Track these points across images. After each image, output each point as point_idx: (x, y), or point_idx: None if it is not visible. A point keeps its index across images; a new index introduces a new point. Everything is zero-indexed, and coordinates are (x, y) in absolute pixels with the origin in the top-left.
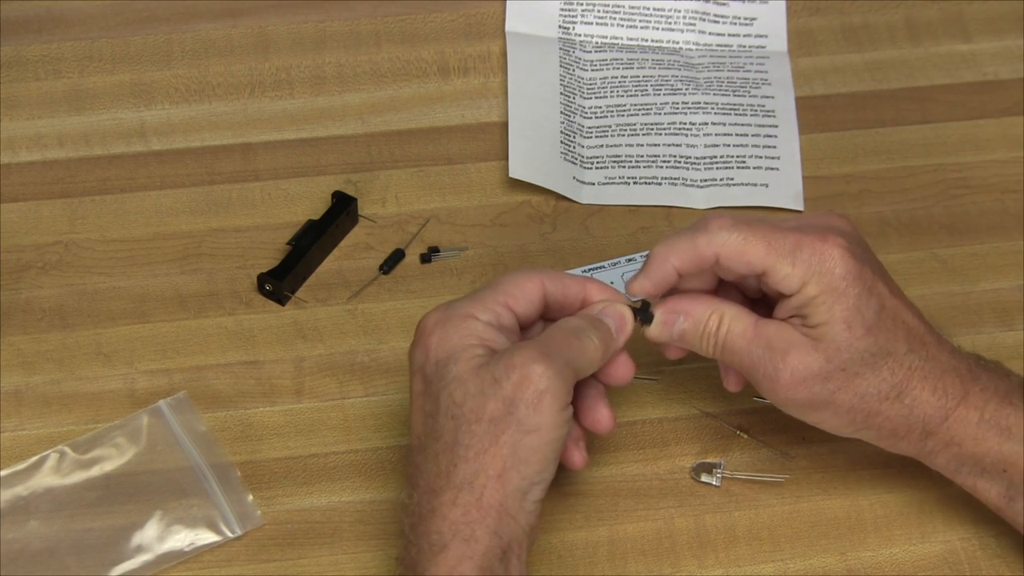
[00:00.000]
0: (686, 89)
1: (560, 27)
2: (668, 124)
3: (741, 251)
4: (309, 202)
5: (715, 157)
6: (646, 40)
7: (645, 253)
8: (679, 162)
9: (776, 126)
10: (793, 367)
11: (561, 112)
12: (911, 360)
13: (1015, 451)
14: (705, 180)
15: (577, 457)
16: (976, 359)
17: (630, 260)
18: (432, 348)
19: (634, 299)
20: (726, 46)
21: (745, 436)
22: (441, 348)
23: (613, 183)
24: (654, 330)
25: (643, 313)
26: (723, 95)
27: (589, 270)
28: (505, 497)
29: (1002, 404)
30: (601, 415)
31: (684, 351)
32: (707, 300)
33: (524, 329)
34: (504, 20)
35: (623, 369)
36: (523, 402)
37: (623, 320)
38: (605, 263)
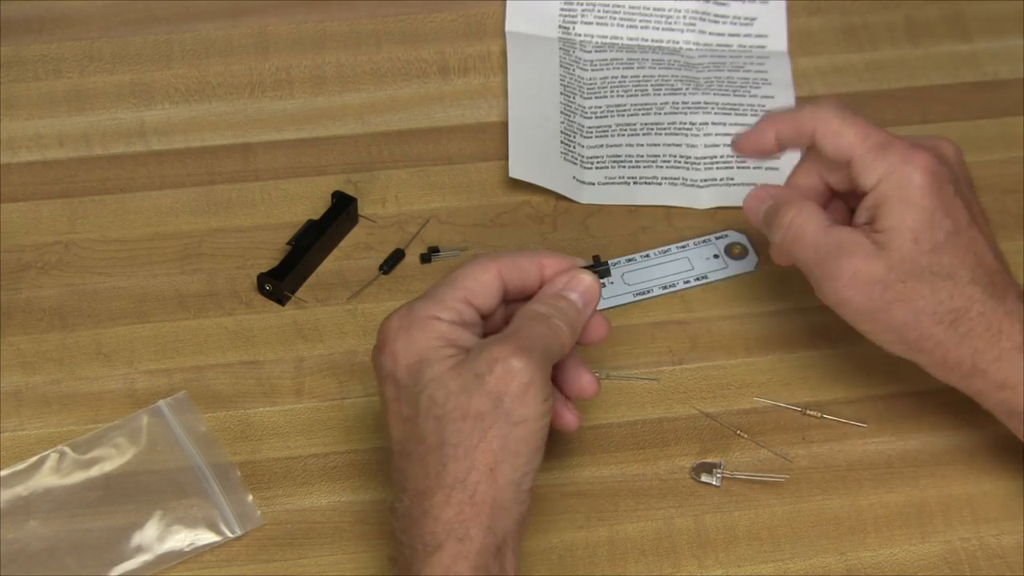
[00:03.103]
0: (686, 89)
1: (560, 27)
2: (668, 124)
3: (836, 131)
4: (309, 202)
5: (715, 157)
6: (646, 40)
7: (645, 253)
8: (679, 162)
9: None
10: (856, 268)
11: (561, 112)
12: (972, 291)
13: None
14: (705, 180)
15: (570, 417)
16: None
17: (630, 260)
18: (400, 354)
19: (585, 263)
20: (726, 46)
21: (745, 436)
22: (409, 352)
23: (613, 183)
24: (746, 203)
25: (600, 267)
26: (723, 95)
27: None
28: (498, 491)
29: None
30: (584, 381)
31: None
32: (793, 193)
33: (485, 318)
34: (504, 20)
35: (598, 330)
36: (509, 395)
37: (589, 291)
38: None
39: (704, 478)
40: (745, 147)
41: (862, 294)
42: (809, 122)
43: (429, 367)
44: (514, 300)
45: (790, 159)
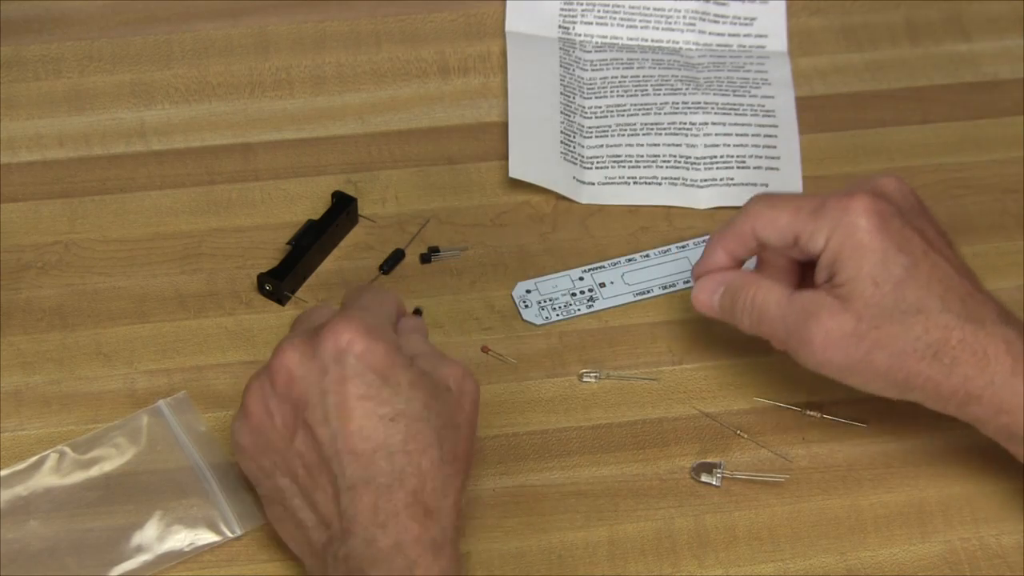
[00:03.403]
0: (686, 89)
1: (560, 27)
2: (668, 124)
3: (771, 219)
4: (309, 202)
5: (715, 157)
6: (646, 40)
7: (645, 253)
8: (679, 162)
9: (776, 126)
10: (826, 329)
11: (561, 112)
12: (946, 319)
13: None
14: (705, 180)
15: None
16: None
17: (630, 260)
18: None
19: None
20: (726, 46)
21: (745, 436)
22: None
23: (613, 183)
24: (695, 304)
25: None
26: (723, 95)
27: (589, 270)
28: None
29: None
30: None
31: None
32: (746, 274)
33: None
34: (504, 20)
35: None
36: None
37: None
38: (605, 263)
39: (704, 478)
40: (702, 273)
41: (839, 352)
42: (745, 225)
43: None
44: None
45: (790, 159)
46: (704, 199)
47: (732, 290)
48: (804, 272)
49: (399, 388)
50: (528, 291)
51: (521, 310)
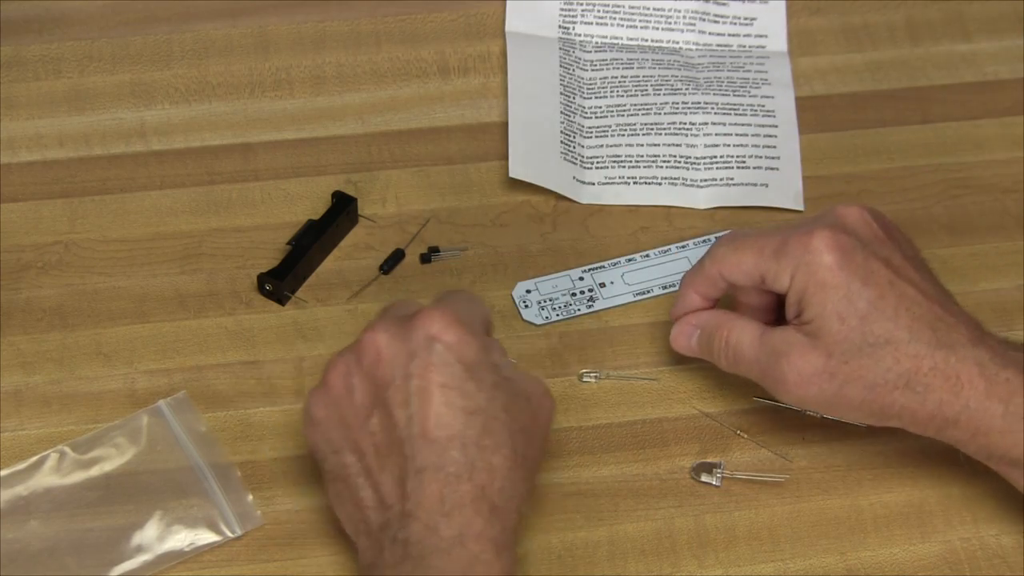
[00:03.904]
0: (686, 89)
1: (560, 27)
2: (668, 124)
3: (735, 263)
4: (309, 202)
5: (715, 157)
6: (646, 40)
7: (645, 253)
8: (679, 162)
9: (776, 126)
10: (797, 368)
11: (561, 112)
12: (915, 349)
13: None
14: (705, 180)
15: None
16: (1008, 346)
17: (630, 260)
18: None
19: None
20: (726, 46)
21: (745, 436)
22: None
23: (613, 183)
24: (676, 344)
25: None
26: (723, 95)
27: (589, 270)
28: None
29: None
30: None
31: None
32: (720, 315)
33: None
34: (504, 20)
35: None
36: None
37: None
38: (605, 263)
39: (704, 478)
40: (678, 315)
41: (813, 388)
42: (712, 269)
43: None
44: None
45: (790, 159)
46: (704, 199)
47: (707, 332)
48: (780, 304)
49: (482, 384)
50: (528, 291)
51: (521, 310)
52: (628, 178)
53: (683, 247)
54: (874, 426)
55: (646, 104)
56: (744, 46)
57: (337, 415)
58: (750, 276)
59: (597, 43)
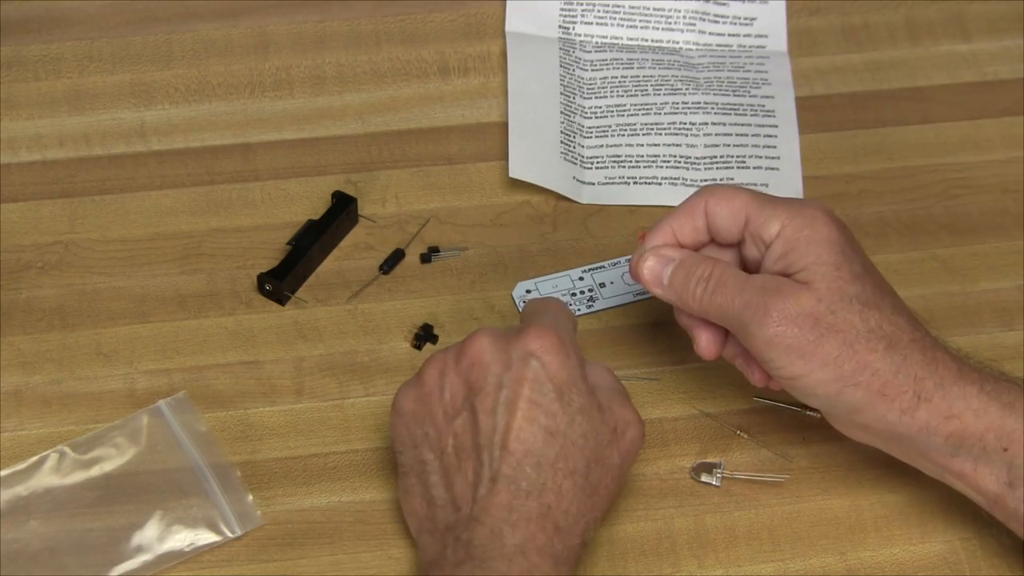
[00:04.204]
0: (686, 89)
1: (560, 27)
2: (668, 124)
3: (725, 196)
4: (309, 202)
5: (715, 157)
6: (646, 40)
7: None
8: (679, 162)
9: (776, 126)
10: (785, 304)
11: (561, 112)
12: (898, 319)
13: (1017, 428)
14: (705, 180)
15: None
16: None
17: (630, 260)
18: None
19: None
20: (726, 46)
21: (745, 436)
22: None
23: (613, 183)
24: (645, 274)
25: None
26: (723, 95)
27: (589, 270)
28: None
29: (999, 381)
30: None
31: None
32: (703, 254)
33: None
34: (504, 20)
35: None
36: (630, 461)
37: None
38: (605, 263)
39: (704, 478)
40: (651, 247)
41: (793, 329)
42: (699, 200)
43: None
44: None
45: (790, 159)
46: None
47: (687, 265)
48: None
49: (569, 408)
50: (528, 291)
51: (521, 310)
52: (628, 178)
53: None
54: (826, 415)
55: (646, 104)
56: (744, 46)
57: (424, 410)
58: (735, 215)
59: (597, 43)
